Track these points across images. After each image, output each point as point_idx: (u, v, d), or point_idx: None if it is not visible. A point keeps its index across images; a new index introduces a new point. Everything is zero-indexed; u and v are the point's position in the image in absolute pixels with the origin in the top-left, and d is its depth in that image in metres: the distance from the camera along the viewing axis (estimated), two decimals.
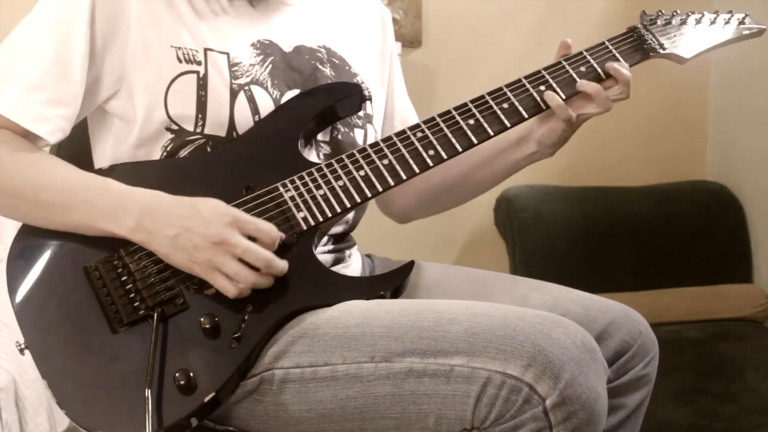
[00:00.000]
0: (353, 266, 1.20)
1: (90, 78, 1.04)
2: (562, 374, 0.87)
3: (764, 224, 2.26)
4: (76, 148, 1.19)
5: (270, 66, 1.11)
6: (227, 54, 1.08)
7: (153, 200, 1.00)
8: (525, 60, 2.31)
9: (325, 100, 1.12)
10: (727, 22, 1.22)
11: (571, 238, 2.20)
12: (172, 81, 1.05)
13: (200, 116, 1.05)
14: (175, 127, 1.06)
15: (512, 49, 2.32)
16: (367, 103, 1.20)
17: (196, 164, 1.06)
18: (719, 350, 1.99)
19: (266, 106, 1.09)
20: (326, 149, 1.13)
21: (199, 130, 1.06)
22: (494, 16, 2.31)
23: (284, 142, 1.08)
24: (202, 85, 1.05)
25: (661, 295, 2.19)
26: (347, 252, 1.19)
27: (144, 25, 1.04)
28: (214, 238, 0.96)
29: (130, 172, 1.05)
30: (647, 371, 1.13)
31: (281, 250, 1.01)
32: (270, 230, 0.99)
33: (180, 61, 1.05)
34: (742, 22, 1.22)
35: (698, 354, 1.97)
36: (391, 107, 1.31)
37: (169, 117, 1.05)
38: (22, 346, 0.98)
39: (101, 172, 1.06)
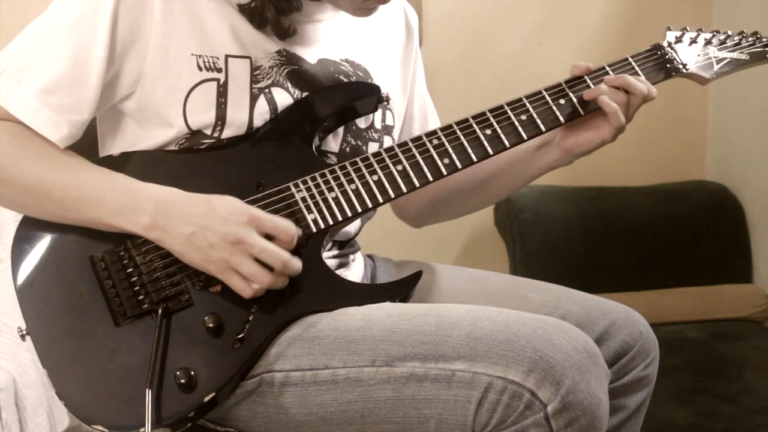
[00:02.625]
0: (355, 269, 1.19)
1: (105, 81, 1.02)
2: (564, 380, 0.86)
3: (764, 224, 2.26)
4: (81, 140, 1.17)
5: (291, 70, 1.09)
6: (249, 58, 1.06)
7: (168, 197, 0.99)
8: (525, 60, 2.31)
9: (342, 99, 1.11)
10: (751, 45, 1.21)
11: (571, 238, 2.20)
12: (192, 89, 1.03)
13: (219, 123, 1.04)
14: (192, 131, 1.05)
15: (512, 49, 2.32)
16: (387, 113, 1.19)
17: (209, 159, 1.05)
18: (719, 350, 1.99)
19: (286, 106, 1.08)
20: (333, 160, 1.12)
21: (216, 134, 1.05)
22: (494, 16, 2.31)
23: (298, 141, 1.07)
24: (222, 92, 1.04)
25: (661, 295, 2.19)
26: (351, 257, 1.19)
27: (165, 32, 1.02)
28: (230, 237, 0.96)
29: (140, 162, 1.04)
30: (648, 372, 1.13)
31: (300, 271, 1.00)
32: (288, 228, 0.98)
33: (200, 69, 1.03)
34: (767, 45, 1.21)
35: (698, 354, 1.96)
36: (410, 112, 1.30)
37: (187, 125, 1.04)
38: (24, 332, 0.98)
39: (111, 159, 1.05)
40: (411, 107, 1.30)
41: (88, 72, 1.00)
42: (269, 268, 0.97)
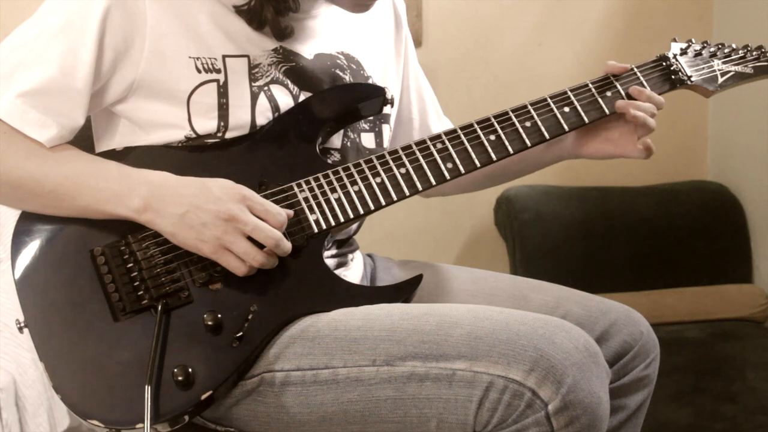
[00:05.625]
0: (355, 269, 1.19)
1: (96, 87, 1.02)
2: (565, 379, 0.87)
3: (764, 224, 2.26)
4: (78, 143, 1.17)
5: (289, 67, 1.09)
6: (247, 57, 1.06)
7: (160, 180, 0.99)
8: (525, 60, 2.31)
9: (347, 100, 1.11)
10: (756, 59, 1.21)
11: (571, 238, 2.20)
12: (192, 92, 1.03)
13: (222, 124, 1.04)
14: (198, 134, 1.04)
15: (512, 49, 2.32)
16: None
17: (211, 157, 1.05)
18: (719, 350, 1.99)
19: (287, 104, 1.08)
20: (336, 156, 1.12)
21: (220, 134, 1.05)
22: (494, 16, 2.31)
23: (302, 141, 1.07)
24: (223, 92, 1.04)
25: (661, 295, 2.19)
26: (350, 256, 1.19)
27: (160, 37, 1.02)
28: (223, 215, 0.96)
29: (141, 157, 1.04)
30: (648, 372, 1.13)
31: (290, 252, 1.00)
32: (278, 212, 0.99)
33: (199, 71, 1.03)
34: None
35: (698, 354, 1.96)
36: (407, 98, 1.30)
37: (191, 127, 1.04)
38: (22, 324, 0.97)
39: (113, 154, 1.05)
40: (408, 95, 1.30)
41: (75, 77, 1.00)
42: (261, 248, 0.97)
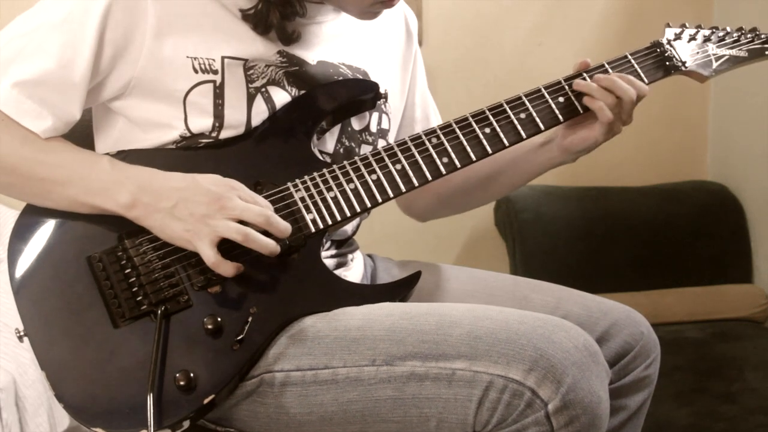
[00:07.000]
0: (355, 269, 1.19)
1: (93, 83, 1.02)
2: (565, 378, 0.86)
3: (764, 224, 2.26)
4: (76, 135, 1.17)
5: (291, 71, 1.09)
6: (246, 60, 1.05)
7: (149, 176, 0.99)
8: (525, 60, 2.31)
9: (341, 95, 1.10)
10: (750, 42, 1.20)
11: (571, 238, 2.20)
12: (188, 92, 1.03)
13: (217, 124, 1.04)
14: (192, 134, 1.04)
15: (512, 49, 2.32)
16: (383, 116, 1.18)
17: (206, 157, 1.05)
18: (719, 350, 1.99)
19: (284, 104, 1.08)
20: (327, 161, 1.11)
21: (214, 134, 1.05)
22: (494, 16, 2.31)
23: (297, 140, 1.07)
24: (219, 93, 1.04)
25: (661, 295, 2.19)
26: (350, 256, 1.18)
27: (160, 36, 1.01)
28: (214, 204, 0.95)
29: (137, 159, 1.03)
30: (649, 372, 1.13)
31: (288, 253, 1.00)
32: (267, 205, 0.99)
33: (196, 71, 1.03)
34: (766, 42, 1.20)
35: (698, 354, 1.97)
36: (411, 115, 1.29)
37: (186, 127, 1.04)
38: (21, 333, 0.97)
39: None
40: (412, 111, 1.29)
41: (73, 71, 1.00)
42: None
